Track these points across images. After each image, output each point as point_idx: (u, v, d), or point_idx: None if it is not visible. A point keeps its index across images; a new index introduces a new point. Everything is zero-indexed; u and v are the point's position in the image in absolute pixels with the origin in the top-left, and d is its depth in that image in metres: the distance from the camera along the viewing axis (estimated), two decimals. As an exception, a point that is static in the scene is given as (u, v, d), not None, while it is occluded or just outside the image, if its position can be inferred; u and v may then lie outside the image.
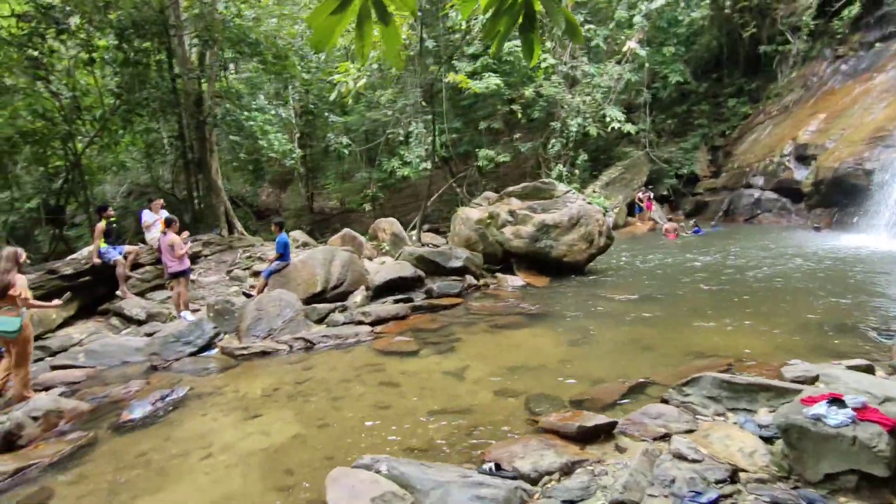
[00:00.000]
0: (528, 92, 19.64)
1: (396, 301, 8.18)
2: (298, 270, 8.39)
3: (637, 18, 19.72)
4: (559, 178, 18.86)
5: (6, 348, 5.23)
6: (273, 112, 13.49)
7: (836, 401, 3.09)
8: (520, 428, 4.30)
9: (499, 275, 10.56)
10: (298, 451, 4.17)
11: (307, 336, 6.81)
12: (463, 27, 17.01)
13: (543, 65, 19.67)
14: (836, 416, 2.95)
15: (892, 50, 16.52)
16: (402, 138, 20.73)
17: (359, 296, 8.25)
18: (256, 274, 10.58)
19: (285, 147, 13.91)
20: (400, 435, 4.31)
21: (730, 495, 2.94)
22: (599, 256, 11.02)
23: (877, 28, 17.50)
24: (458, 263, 9.80)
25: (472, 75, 19.28)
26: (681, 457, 3.39)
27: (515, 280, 10.15)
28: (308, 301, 7.98)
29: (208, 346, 6.82)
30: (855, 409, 2.98)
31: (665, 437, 3.76)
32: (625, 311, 7.80)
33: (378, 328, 7.27)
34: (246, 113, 12.67)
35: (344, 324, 7.36)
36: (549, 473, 3.35)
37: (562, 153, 20.40)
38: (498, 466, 3.38)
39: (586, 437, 3.83)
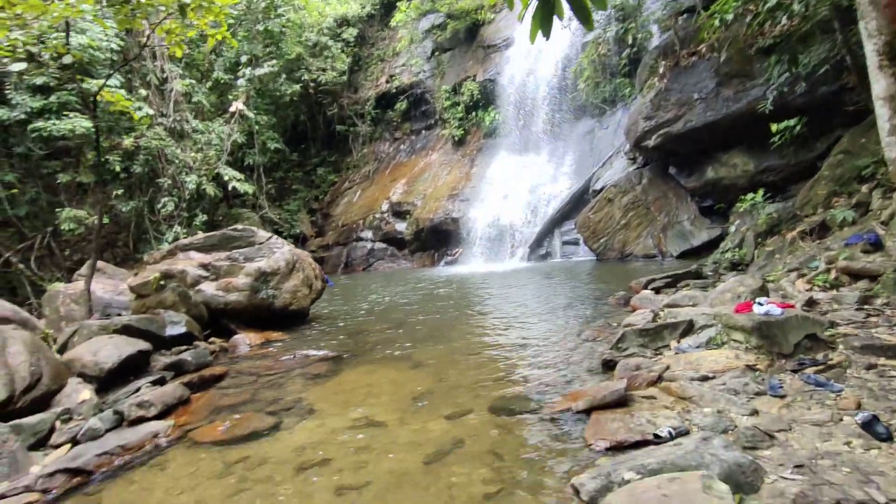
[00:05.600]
0: (128, 142, 16.47)
1: (154, 383, 5.46)
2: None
3: (240, 81, 19.78)
4: (176, 240, 16.34)
5: None
6: None
7: (758, 304, 4.47)
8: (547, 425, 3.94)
9: (215, 339, 8.46)
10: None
11: (68, 465, 3.77)
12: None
13: (139, 114, 16.93)
14: (775, 310, 4.29)
15: (436, 135, 22.73)
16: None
17: (83, 391, 5.03)
18: None
19: None
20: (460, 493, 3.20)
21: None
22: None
23: (421, 120, 23.70)
24: (180, 329, 7.37)
25: (42, 113, 14.79)
26: (703, 378, 4.04)
27: (249, 338, 8.38)
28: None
29: None
30: (775, 304, 4.41)
31: (660, 379, 4.31)
32: (413, 337, 7.76)
33: (169, 421, 4.73)
34: None
35: (109, 430, 4.41)
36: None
37: (175, 213, 17.85)
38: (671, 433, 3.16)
39: (628, 400, 3.96)
